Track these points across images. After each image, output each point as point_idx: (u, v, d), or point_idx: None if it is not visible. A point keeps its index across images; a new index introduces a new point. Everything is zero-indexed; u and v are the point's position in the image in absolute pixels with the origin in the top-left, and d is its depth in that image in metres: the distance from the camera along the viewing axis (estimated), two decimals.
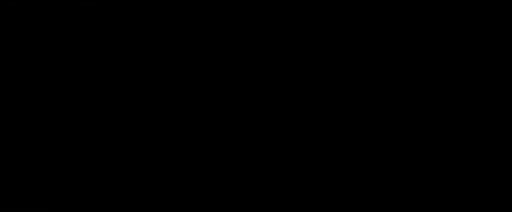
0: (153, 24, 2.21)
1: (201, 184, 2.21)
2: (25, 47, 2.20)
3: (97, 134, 2.21)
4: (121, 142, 2.21)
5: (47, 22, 2.21)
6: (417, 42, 2.18)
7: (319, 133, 2.20)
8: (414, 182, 2.18)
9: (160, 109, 2.21)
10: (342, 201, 2.20)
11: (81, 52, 2.21)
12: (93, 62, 2.21)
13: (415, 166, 2.18)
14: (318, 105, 2.20)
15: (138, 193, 2.21)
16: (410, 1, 2.18)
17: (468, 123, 2.17)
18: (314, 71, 2.20)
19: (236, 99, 2.21)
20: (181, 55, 2.21)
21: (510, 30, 2.17)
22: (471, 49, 2.17)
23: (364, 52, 2.19)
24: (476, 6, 2.17)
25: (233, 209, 2.21)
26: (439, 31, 2.18)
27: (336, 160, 2.20)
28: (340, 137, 2.20)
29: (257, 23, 2.21)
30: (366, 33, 2.19)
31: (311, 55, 2.20)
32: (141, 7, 2.21)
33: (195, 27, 2.21)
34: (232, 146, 2.21)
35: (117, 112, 2.21)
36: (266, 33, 2.20)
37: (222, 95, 2.21)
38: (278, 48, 2.20)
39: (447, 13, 2.17)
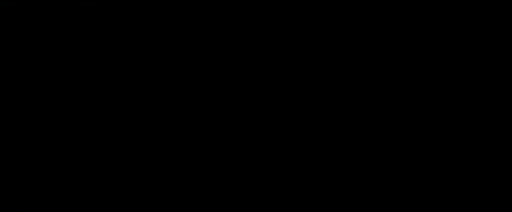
0: (153, 24, 2.21)
1: (201, 185, 2.21)
2: (25, 47, 2.20)
3: (97, 134, 2.21)
4: (121, 142, 2.21)
5: (47, 22, 2.21)
6: (417, 42, 2.18)
7: (319, 133, 2.20)
8: (414, 182, 2.18)
9: (160, 109, 2.21)
10: (342, 202, 2.20)
11: (81, 52, 2.21)
12: (93, 62, 2.21)
13: (415, 166, 2.18)
14: (318, 105, 2.20)
15: (138, 193, 2.21)
16: (410, 1, 2.18)
17: (468, 123, 2.17)
18: (314, 71, 2.20)
19: (236, 99, 2.21)
20: (181, 55, 2.21)
21: (510, 30, 2.17)
22: (471, 49, 2.17)
23: (364, 52, 2.19)
24: (476, 6, 2.17)
25: (233, 210, 2.21)
26: (439, 31, 2.18)
27: (336, 161, 2.20)
28: (340, 137, 2.20)
29: (257, 23, 2.21)
30: (366, 33, 2.19)
31: (311, 55, 2.20)
32: (141, 7, 2.21)
33: (195, 27, 2.21)
34: (232, 146, 2.21)
35: (117, 112, 2.21)
36: (266, 33, 2.20)
37: (222, 95, 2.21)
38: (278, 48, 2.21)
39: (447, 13, 2.17)
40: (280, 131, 2.20)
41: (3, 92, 2.20)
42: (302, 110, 2.20)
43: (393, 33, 2.19)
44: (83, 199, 2.20)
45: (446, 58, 2.18)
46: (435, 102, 2.18)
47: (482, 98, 2.17)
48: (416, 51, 2.18)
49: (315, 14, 2.20)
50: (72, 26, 2.21)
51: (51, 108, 2.20)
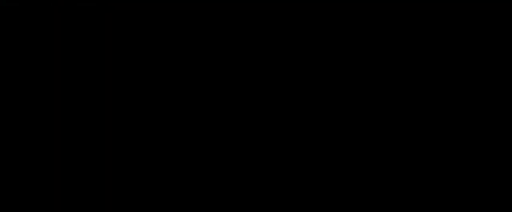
0: (153, 24, 2.21)
1: (201, 185, 2.21)
2: (25, 47, 2.20)
3: (97, 134, 2.21)
4: (121, 142, 2.21)
5: (47, 22, 2.21)
6: (417, 42, 2.18)
7: (319, 133, 2.20)
8: (414, 182, 2.18)
9: (160, 109, 2.21)
10: (342, 202, 2.20)
11: (81, 52, 2.21)
12: (93, 62, 2.21)
13: (415, 166, 2.18)
14: (318, 105, 2.20)
15: (138, 193, 2.21)
16: (410, 1, 2.18)
17: (468, 123, 2.17)
18: (314, 71, 2.20)
19: (236, 99, 2.21)
20: (181, 55, 2.21)
21: (510, 30, 2.17)
22: (471, 49, 2.17)
23: (364, 52, 2.19)
24: (476, 6, 2.17)
25: (233, 210, 2.21)
26: (439, 31, 2.18)
27: (336, 161, 2.20)
28: (340, 137, 2.20)
29: (257, 23, 2.21)
30: (366, 33, 2.19)
31: (311, 55, 2.20)
32: (141, 7, 2.21)
33: (195, 27, 2.21)
34: (232, 146, 2.21)
35: (117, 112, 2.21)
36: (266, 33, 2.20)
37: (222, 95, 2.21)
38: (278, 48, 2.21)
39: (447, 13, 2.17)
40: (280, 131, 2.20)
41: (3, 92, 2.20)
42: (302, 110, 2.20)
43: (393, 33, 2.19)
44: (83, 199, 2.20)
45: (446, 58, 2.18)
46: (435, 102, 2.18)
47: (482, 98, 2.17)
48: (416, 51, 2.18)
49: (315, 14, 2.20)
50: (72, 26, 2.21)
51: (51, 108, 2.20)
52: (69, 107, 2.21)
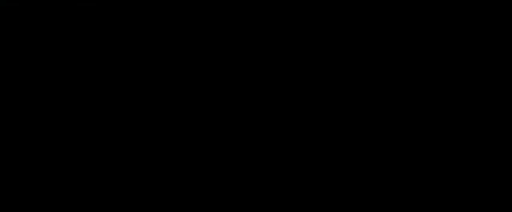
0: (153, 24, 2.21)
1: (201, 185, 2.21)
2: (25, 47, 2.20)
3: (97, 134, 2.21)
4: (121, 142, 2.21)
5: (47, 22, 2.21)
6: (417, 42, 2.18)
7: (319, 133, 2.20)
8: (414, 182, 2.18)
9: (160, 109, 2.21)
10: (342, 202, 2.20)
11: (81, 52, 2.21)
12: (93, 62, 2.21)
13: (415, 166, 2.18)
14: (318, 105, 2.20)
15: (138, 193, 2.21)
16: (410, 1, 2.18)
17: (468, 123, 2.17)
18: (314, 71, 2.20)
19: (236, 99, 2.21)
20: (181, 55, 2.21)
21: (510, 30, 2.17)
22: (471, 49, 2.17)
23: (364, 52, 2.19)
24: (476, 6, 2.17)
25: (233, 210, 2.21)
26: (439, 31, 2.18)
27: (336, 160, 2.20)
28: (340, 137, 2.20)
29: (257, 23, 2.21)
30: (366, 33, 2.19)
31: (311, 55, 2.20)
32: (141, 7, 2.21)
33: (195, 27, 2.21)
34: (232, 146, 2.21)
35: (117, 112, 2.21)
36: (266, 33, 2.21)
37: (222, 95, 2.21)
38: (278, 48, 2.21)
39: (447, 13, 2.17)
40: (280, 131, 2.20)
41: (3, 92, 2.20)
42: (302, 110, 2.20)
43: (393, 33, 2.19)
44: (83, 199, 2.20)
45: (446, 58, 2.18)
46: (435, 102, 2.18)
47: (482, 98, 2.17)
48: (416, 51, 2.18)
49: (315, 14, 2.20)
50: (72, 26, 2.21)
51: (51, 108, 2.20)
52: (69, 107, 2.21)
